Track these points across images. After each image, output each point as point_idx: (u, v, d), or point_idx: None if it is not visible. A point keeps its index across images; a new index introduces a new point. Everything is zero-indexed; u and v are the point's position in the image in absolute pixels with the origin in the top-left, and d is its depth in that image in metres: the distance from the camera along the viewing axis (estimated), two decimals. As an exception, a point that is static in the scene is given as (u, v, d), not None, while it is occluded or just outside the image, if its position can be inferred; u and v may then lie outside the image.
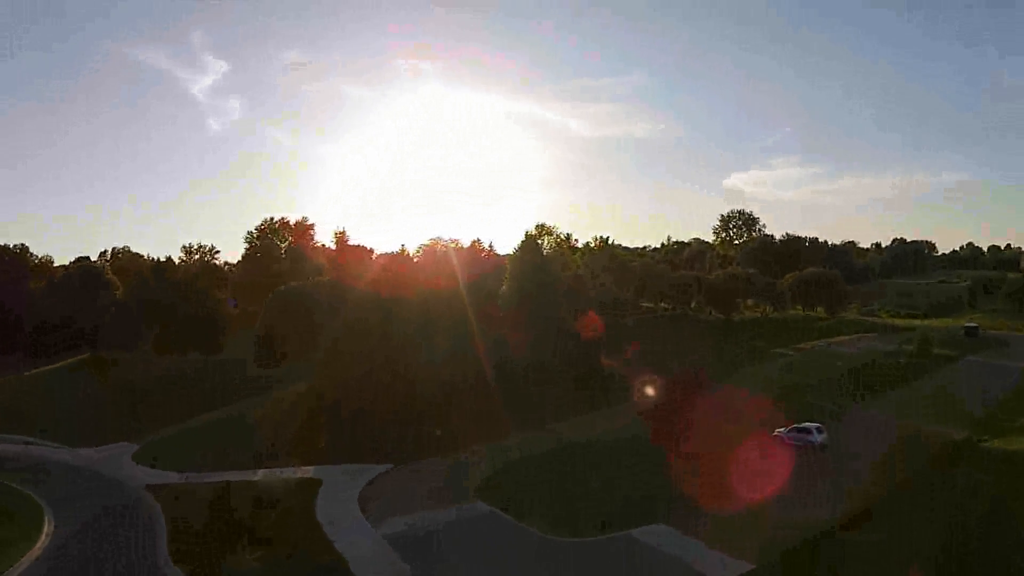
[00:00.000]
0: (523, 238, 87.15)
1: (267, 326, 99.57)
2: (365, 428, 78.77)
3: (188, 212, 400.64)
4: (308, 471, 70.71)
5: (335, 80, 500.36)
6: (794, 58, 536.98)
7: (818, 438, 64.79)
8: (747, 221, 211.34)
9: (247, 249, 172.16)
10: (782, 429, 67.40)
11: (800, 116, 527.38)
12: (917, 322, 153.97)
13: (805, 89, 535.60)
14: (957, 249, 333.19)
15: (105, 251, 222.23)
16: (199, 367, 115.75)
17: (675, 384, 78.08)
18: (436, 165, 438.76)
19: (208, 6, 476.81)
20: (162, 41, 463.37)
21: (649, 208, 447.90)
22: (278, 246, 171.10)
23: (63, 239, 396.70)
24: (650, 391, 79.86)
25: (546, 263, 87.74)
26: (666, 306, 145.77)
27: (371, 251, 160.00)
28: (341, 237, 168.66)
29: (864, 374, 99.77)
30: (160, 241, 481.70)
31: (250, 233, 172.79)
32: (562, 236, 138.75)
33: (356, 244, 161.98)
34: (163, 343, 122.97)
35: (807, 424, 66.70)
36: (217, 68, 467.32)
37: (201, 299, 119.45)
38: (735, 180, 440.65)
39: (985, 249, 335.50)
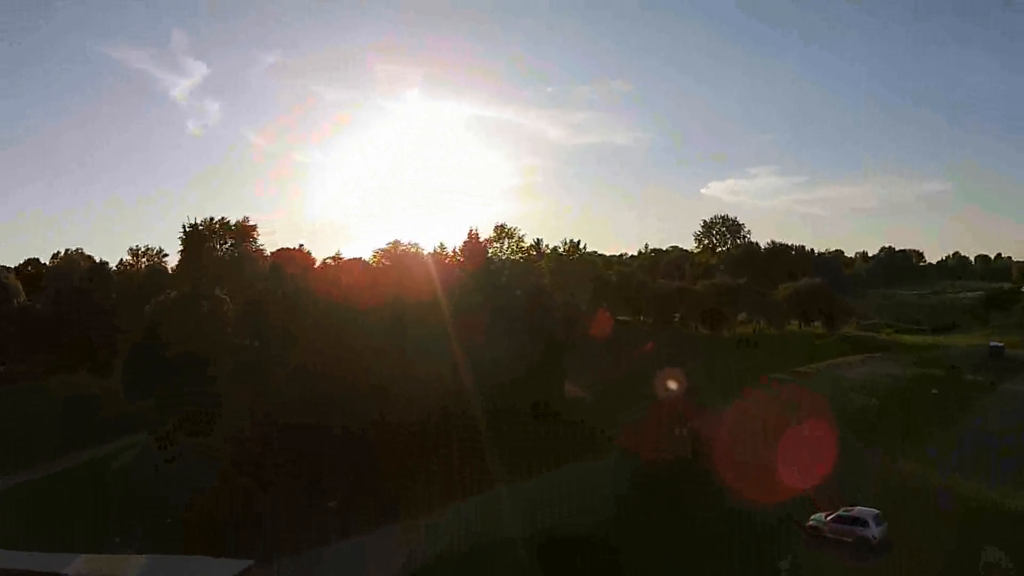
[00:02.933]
0: (466, 236, 65.11)
1: (143, 347, 75.53)
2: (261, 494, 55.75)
3: (163, 215, 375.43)
4: (140, 563, 47.67)
5: (315, 85, 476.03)
6: (775, 68, 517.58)
7: (875, 530, 42.35)
8: (731, 227, 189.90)
9: (181, 253, 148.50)
10: (820, 516, 44.79)
11: (779, 126, 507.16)
12: (924, 339, 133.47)
13: (785, 99, 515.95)
14: (944, 259, 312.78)
15: (57, 252, 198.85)
16: (85, 393, 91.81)
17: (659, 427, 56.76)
18: (415, 171, 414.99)
19: (189, 8, 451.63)
20: (142, 42, 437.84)
21: (626, 216, 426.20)
22: (215, 248, 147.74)
23: (30, 239, 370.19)
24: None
25: (490, 262, 66.08)
26: (646, 320, 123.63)
27: (308, 254, 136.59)
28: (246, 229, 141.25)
29: (891, 410, 78.31)
30: (128, 244, 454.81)
31: (185, 231, 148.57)
32: (524, 240, 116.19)
33: (289, 247, 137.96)
34: (56, 362, 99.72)
35: (858, 510, 43.90)
36: (197, 70, 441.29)
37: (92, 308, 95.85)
38: (713, 189, 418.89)
39: (973, 259, 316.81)
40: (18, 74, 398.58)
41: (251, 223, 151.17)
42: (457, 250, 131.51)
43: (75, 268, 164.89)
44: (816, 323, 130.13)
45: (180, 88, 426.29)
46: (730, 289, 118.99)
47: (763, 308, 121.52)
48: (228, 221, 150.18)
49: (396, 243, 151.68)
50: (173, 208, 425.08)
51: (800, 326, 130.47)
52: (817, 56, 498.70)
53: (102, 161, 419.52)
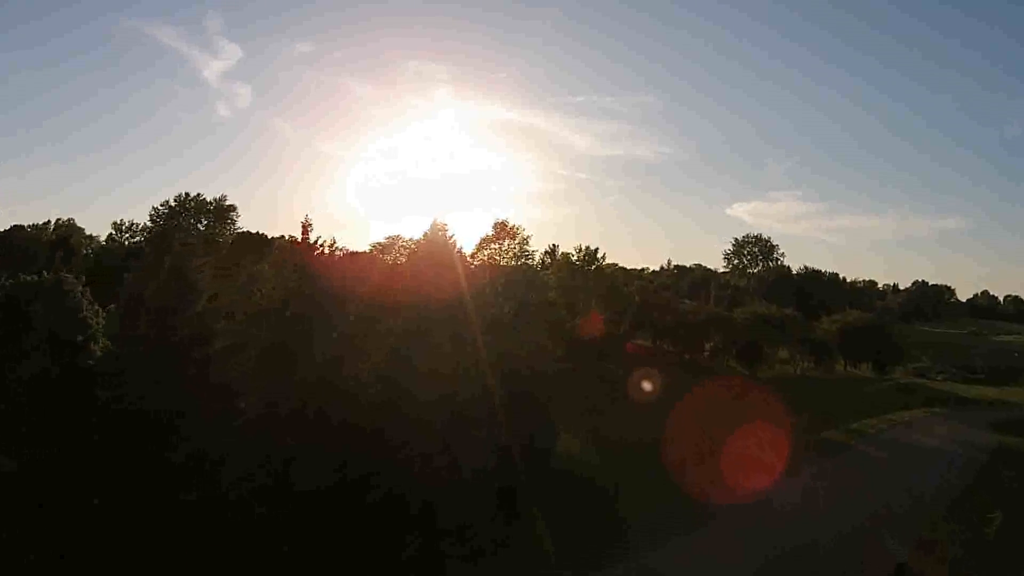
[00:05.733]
0: (431, 226, 43.85)
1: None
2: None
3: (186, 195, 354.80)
4: None
5: (345, 77, 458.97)
6: (806, 94, 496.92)
7: None
8: (764, 248, 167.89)
9: (147, 234, 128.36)
10: None
11: (806, 152, 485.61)
12: (987, 391, 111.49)
13: (812, 125, 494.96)
14: (974, 296, 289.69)
15: (48, 222, 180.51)
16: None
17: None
18: (438, 170, 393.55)
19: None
20: (176, 20, 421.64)
21: (648, 230, 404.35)
22: (184, 229, 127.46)
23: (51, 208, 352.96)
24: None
25: (455, 261, 44.34)
26: (670, 348, 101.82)
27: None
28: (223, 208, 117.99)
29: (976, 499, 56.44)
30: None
31: (155, 209, 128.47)
32: (528, 241, 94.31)
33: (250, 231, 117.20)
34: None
35: None
36: (231, 53, 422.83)
37: None
38: (737, 210, 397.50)
39: (1001, 299, 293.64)
40: (49, 44, 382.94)
41: (229, 202, 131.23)
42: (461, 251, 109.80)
43: (36, 242, 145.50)
44: (864, 365, 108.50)
45: (212, 69, 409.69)
46: (774, 320, 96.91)
47: (810, 345, 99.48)
48: (204, 198, 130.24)
49: (396, 237, 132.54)
50: (196, 188, 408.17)
51: (845, 367, 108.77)
52: (846, 83, 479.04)
53: (129, 137, 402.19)
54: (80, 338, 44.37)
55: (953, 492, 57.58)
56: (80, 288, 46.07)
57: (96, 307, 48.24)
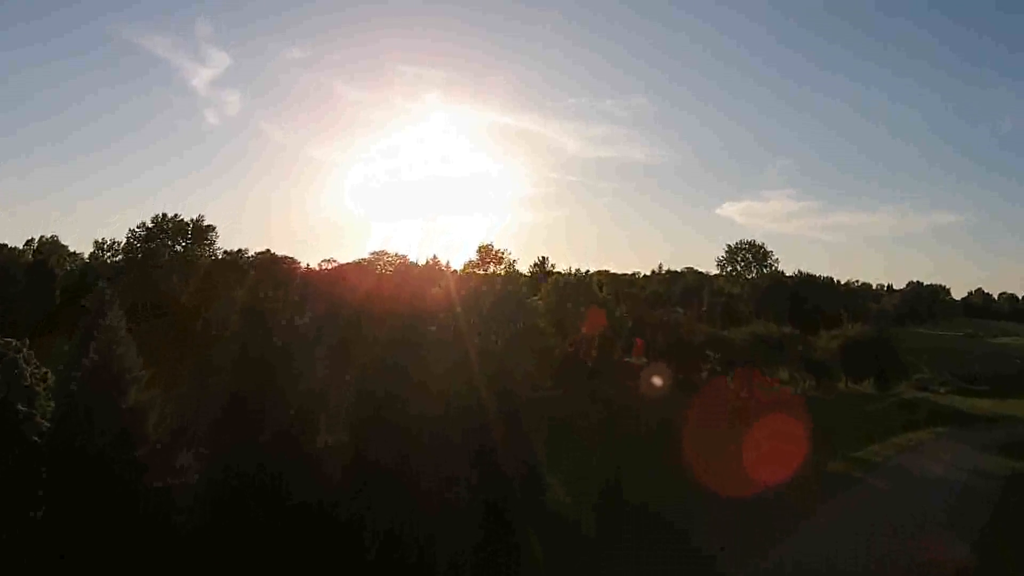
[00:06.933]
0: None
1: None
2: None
3: (174, 205, 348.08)
4: None
5: (336, 82, 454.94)
6: (798, 92, 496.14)
7: None
8: (757, 255, 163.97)
9: (125, 256, 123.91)
10: None
11: (799, 150, 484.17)
12: (990, 405, 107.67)
13: (806, 124, 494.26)
14: (968, 295, 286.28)
15: (31, 239, 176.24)
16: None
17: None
18: (430, 175, 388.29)
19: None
20: (165, 28, 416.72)
21: (640, 232, 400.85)
22: (167, 248, 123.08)
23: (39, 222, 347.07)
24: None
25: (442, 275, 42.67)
26: (665, 368, 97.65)
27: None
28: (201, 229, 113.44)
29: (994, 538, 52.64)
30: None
31: (132, 231, 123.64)
32: (515, 265, 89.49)
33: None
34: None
35: None
36: (219, 61, 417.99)
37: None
38: (727, 209, 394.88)
39: (996, 296, 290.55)
40: (38, 51, 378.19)
41: (207, 223, 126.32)
42: (448, 264, 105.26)
43: (14, 263, 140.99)
44: (866, 381, 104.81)
45: (201, 77, 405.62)
46: (772, 340, 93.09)
47: (810, 364, 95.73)
48: (182, 219, 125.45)
49: (382, 253, 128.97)
50: (191, 193, 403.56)
51: (846, 384, 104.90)
52: (840, 84, 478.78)
53: (115, 148, 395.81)
54: (24, 408, 40.52)
55: (972, 535, 53.87)
56: (24, 353, 41.88)
57: (44, 370, 44.48)
